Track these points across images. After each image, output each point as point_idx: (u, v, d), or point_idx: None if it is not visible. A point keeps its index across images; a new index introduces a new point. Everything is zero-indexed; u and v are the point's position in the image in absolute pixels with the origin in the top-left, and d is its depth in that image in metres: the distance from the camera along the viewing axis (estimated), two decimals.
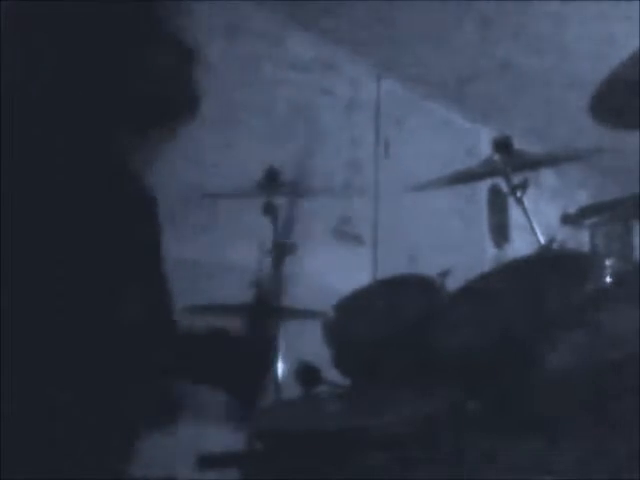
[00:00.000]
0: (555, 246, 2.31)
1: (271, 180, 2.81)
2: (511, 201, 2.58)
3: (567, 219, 2.63)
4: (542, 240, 2.40)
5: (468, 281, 2.02)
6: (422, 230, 4.31)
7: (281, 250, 2.81)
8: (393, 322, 2.06)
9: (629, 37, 3.22)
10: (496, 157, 2.56)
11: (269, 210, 2.83)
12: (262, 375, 1.72)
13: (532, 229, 2.46)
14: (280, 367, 2.73)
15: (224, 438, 2.57)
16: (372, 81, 4.33)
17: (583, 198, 5.05)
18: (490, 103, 4.61)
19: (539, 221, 2.47)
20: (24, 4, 1.37)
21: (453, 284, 2.11)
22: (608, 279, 1.87)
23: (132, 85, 1.39)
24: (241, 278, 2.76)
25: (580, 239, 2.71)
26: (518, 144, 2.57)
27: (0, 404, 1.20)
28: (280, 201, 2.83)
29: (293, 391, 2.13)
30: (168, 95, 1.44)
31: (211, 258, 3.30)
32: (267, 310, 2.72)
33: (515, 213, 2.72)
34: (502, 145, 2.54)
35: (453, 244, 4.42)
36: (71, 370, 1.27)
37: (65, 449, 1.25)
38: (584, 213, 2.59)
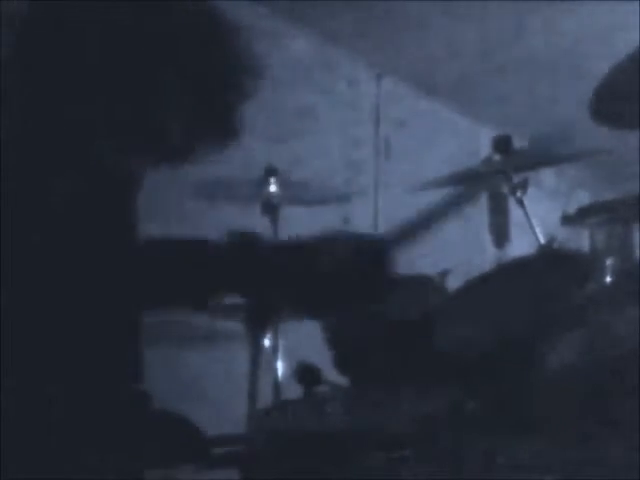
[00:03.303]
0: (555, 246, 2.31)
1: (271, 180, 2.80)
2: (511, 201, 2.59)
3: (567, 219, 2.63)
4: (542, 240, 2.40)
5: (468, 281, 2.02)
6: (422, 230, 4.30)
7: None
8: (393, 322, 2.06)
9: (630, 38, 3.21)
10: (496, 157, 2.57)
11: (269, 210, 2.83)
12: None
13: (532, 229, 2.46)
14: (280, 367, 2.73)
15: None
16: (372, 81, 4.33)
17: (583, 198, 5.05)
18: (490, 103, 4.61)
19: (539, 221, 2.47)
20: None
21: (453, 284, 2.11)
22: (608, 279, 1.87)
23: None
24: None
25: (580, 239, 2.71)
26: (518, 144, 2.57)
27: (0, 404, 1.20)
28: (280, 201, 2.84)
29: (293, 391, 2.13)
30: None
31: None
32: (266, 310, 2.72)
33: (515, 213, 2.72)
34: (502, 145, 2.55)
35: (453, 244, 4.41)
36: (67, 367, 1.27)
37: (65, 448, 1.25)
38: (584, 213, 2.59)
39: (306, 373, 1.98)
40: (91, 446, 1.28)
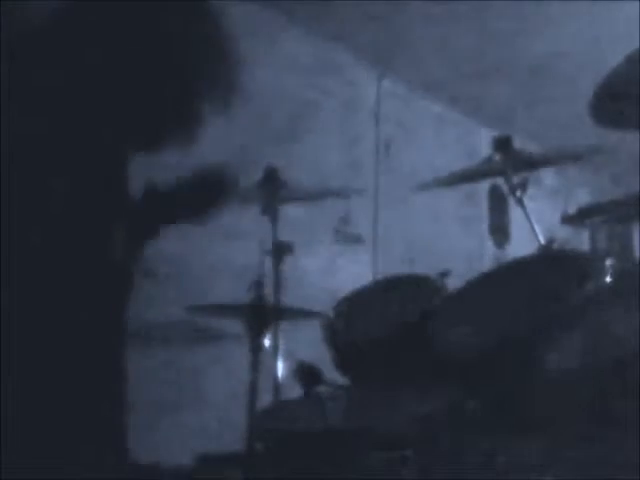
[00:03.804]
0: (555, 246, 2.31)
1: (271, 180, 2.80)
2: (511, 201, 2.59)
3: (567, 219, 2.63)
4: (542, 240, 2.40)
5: (468, 281, 2.02)
6: (422, 230, 4.31)
7: (281, 250, 2.81)
8: (393, 322, 2.06)
9: (629, 38, 3.21)
10: (496, 157, 2.56)
11: (269, 210, 2.83)
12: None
13: (532, 229, 2.46)
14: (280, 367, 2.73)
15: (224, 438, 2.57)
16: (372, 81, 4.33)
17: (583, 198, 5.05)
18: (490, 103, 4.61)
19: (539, 221, 2.47)
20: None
21: (453, 284, 2.11)
22: (608, 279, 1.86)
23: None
24: (241, 278, 2.76)
25: (580, 239, 2.71)
26: (518, 144, 2.57)
27: (0, 404, 1.20)
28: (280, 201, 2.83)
29: (293, 391, 2.13)
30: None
31: (211, 258, 3.30)
32: (266, 310, 2.72)
33: (515, 213, 2.72)
34: (502, 145, 2.54)
35: (453, 244, 4.41)
36: (64, 370, 1.27)
37: (64, 448, 1.25)
38: (584, 213, 2.59)
39: (306, 373, 1.98)
40: (90, 446, 1.28)
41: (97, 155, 1.36)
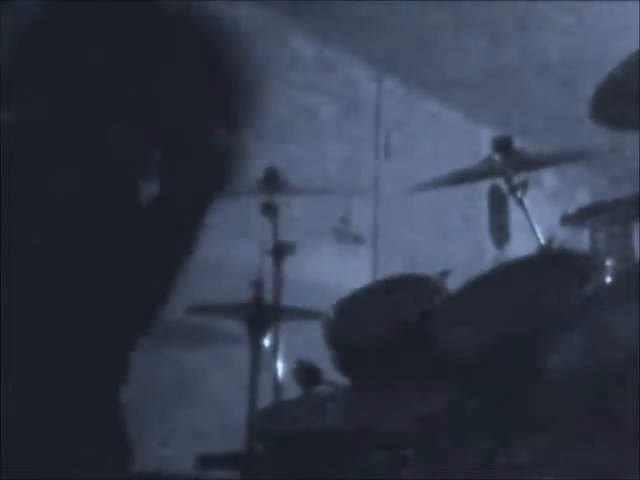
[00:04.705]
0: (555, 246, 2.31)
1: (271, 180, 2.80)
2: (512, 201, 2.59)
3: (567, 219, 2.62)
4: (542, 240, 2.40)
5: (468, 281, 2.02)
6: (422, 230, 4.31)
7: (281, 250, 2.81)
8: (393, 322, 2.06)
9: (629, 37, 3.21)
10: (496, 157, 2.56)
11: (269, 210, 2.83)
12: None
13: (532, 229, 2.46)
14: (280, 367, 2.73)
15: (224, 438, 2.57)
16: (372, 81, 4.33)
17: (583, 198, 5.05)
18: (490, 103, 4.61)
19: (539, 221, 2.47)
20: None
21: (453, 284, 2.11)
22: (608, 279, 1.86)
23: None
24: (241, 278, 2.76)
25: (580, 239, 2.71)
26: (518, 144, 2.57)
27: (0, 404, 1.20)
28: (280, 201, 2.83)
29: (293, 391, 2.13)
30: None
31: (211, 258, 3.30)
32: (266, 310, 2.73)
33: (515, 213, 2.72)
34: (502, 145, 2.54)
35: (453, 244, 4.41)
36: (67, 370, 1.27)
37: (64, 448, 1.25)
38: (584, 213, 2.59)
39: (306, 373, 1.98)
40: (90, 446, 1.28)
41: (97, 153, 1.36)
